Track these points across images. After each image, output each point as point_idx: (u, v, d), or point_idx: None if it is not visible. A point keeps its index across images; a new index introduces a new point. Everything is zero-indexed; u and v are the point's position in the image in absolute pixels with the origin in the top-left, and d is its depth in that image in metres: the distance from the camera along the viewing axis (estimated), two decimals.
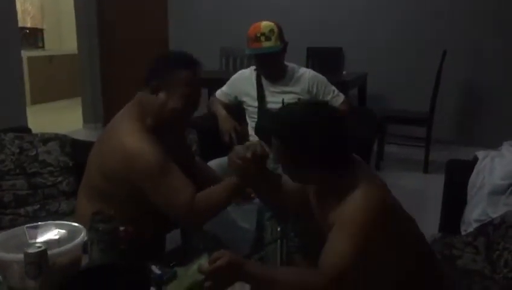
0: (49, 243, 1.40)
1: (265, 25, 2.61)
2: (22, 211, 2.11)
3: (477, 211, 2.06)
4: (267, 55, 2.62)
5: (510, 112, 4.63)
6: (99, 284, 1.24)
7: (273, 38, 2.59)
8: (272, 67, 2.70)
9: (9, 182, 2.14)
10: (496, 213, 1.98)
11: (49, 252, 1.30)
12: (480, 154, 2.25)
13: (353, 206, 1.25)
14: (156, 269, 1.46)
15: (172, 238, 2.01)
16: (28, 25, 8.14)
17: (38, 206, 2.16)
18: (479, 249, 1.94)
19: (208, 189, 1.66)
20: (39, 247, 1.28)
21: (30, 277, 1.26)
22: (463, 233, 2.08)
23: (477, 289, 1.71)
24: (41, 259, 1.26)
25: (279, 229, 1.67)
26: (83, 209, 1.74)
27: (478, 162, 2.19)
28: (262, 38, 2.59)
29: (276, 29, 2.60)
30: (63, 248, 1.37)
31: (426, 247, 1.47)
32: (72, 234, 1.46)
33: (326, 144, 1.28)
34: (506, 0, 4.59)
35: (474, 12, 4.69)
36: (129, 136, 1.64)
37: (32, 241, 1.43)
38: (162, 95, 1.68)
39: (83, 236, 1.43)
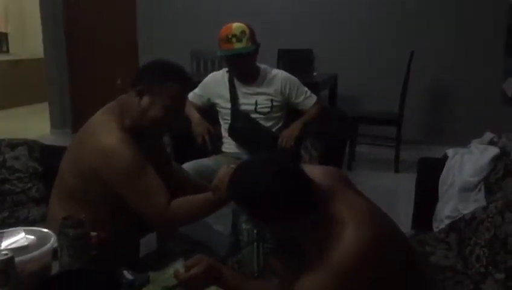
0: (17, 250, 1.37)
1: (237, 26, 2.61)
2: None
3: (448, 208, 2.10)
4: (238, 56, 2.61)
5: (478, 110, 4.74)
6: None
7: (244, 39, 2.59)
8: (243, 69, 2.69)
9: None
10: (466, 209, 2.02)
11: (17, 259, 1.28)
12: (450, 152, 2.30)
13: (340, 254, 1.18)
14: (128, 274, 1.44)
15: (148, 242, 1.99)
16: None
17: (7, 213, 2.10)
18: (451, 245, 1.98)
19: (185, 198, 1.64)
20: (6, 254, 1.25)
21: None
22: (435, 230, 2.12)
23: (450, 284, 1.73)
24: (8, 266, 1.24)
25: (255, 231, 1.66)
26: (55, 214, 1.70)
27: (448, 160, 2.23)
28: (234, 39, 2.58)
29: (247, 31, 2.60)
30: (31, 255, 1.35)
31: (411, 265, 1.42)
32: (41, 240, 1.43)
33: (284, 197, 1.18)
34: (470, 0, 4.71)
35: (440, 13, 4.79)
36: (107, 135, 1.62)
37: (4, 247, 1.39)
38: (146, 100, 1.66)
39: (52, 242, 1.40)
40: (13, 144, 2.23)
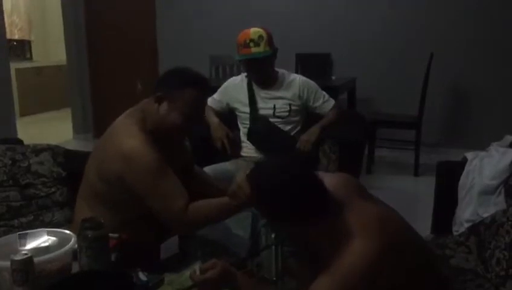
0: (38, 251, 1.42)
1: (255, 31, 2.63)
2: (15, 222, 2.10)
3: (468, 211, 2.09)
4: (256, 60, 2.64)
5: (497, 113, 4.69)
6: None
7: (262, 44, 2.61)
8: (262, 73, 2.72)
9: (3, 194, 2.13)
10: (486, 213, 2.00)
11: (37, 259, 1.32)
12: (469, 155, 2.28)
13: (348, 261, 1.20)
14: (142, 276, 1.46)
15: (170, 245, 2.02)
16: (16, 37, 8.11)
17: (32, 217, 2.15)
18: (471, 248, 1.97)
19: (204, 201, 1.67)
20: (25, 254, 1.29)
21: (17, 284, 1.27)
22: (455, 233, 2.10)
23: (471, 287, 1.73)
24: (27, 266, 1.28)
25: (273, 235, 1.67)
26: (81, 216, 1.74)
27: (467, 163, 2.22)
28: (252, 44, 2.61)
29: (265, 36, 2.63)
30: (51, 255, 1.39)
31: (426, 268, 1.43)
32: (63, 242, 1.47)
33: (303, 199, 1.23)
34: (493, 1, 4.66)
35: (461, 14, 4.75)
36: (129, 138, 1.65)
37: (23, 248, 1.44)
38: (164, 106, 1.70)
39: (72, 243, 1.44)
40: (38, 150, 2.28)
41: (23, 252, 1.32)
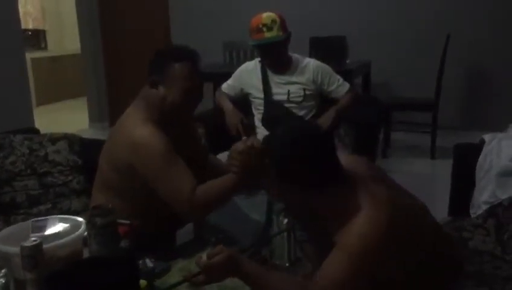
0: (49, 237, 1.44)
1: (267, 15, 2.62)
2: (34, 210, 2.14)
3: (486, 194, 2.06)
4: (269, 45, 2.63)
5: None
6: (86, 276, 1.24)
7: (275, 28, 2.60)
8: (275, 58, 2.70)
9: (21, 183, 2.17)
10: (505, 194, 1.98)
11: (46, 246, 1.33)
12: (487, 137, 2.25)
13: (357, 233, 1.20)
14: (149, 262, 1.48)
15: (186, 232, 2.04)
16: (30, 27, 8.17)
17: (50, 205, 2.18)
18: (489, 230, 1.95)
19: (208, 183, 1.66)
20: (34, 240, 1.31)
21: (26, 269, 1.29)
22: (473, 216, 2.08)
23: (488, 268, 1.71)
24: (36, 252, 1.29)
25: (285, 221, 1.67)
26: (96, 204, 1.76)
27: (485, 145, 2.19)
28: (264, 28, 2.60)
29: (278, 20, 2.61)
30: (61, 241, 1.41)
31: (440, 246, 1.43)
32: (74, 228, 1.49)
33: (317, 160, 1.25)
34: None
35: None
36: (136, 126, 1.67)
37: (35, 234, 1.46)
38: (161, 89, 1.70)
39: (82, 230, 1.45)
40: (54, 139, 2.31)
41: (33, 238, 1.33)
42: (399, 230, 1.23)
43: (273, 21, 2.60)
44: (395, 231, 1.21)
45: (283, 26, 2.63)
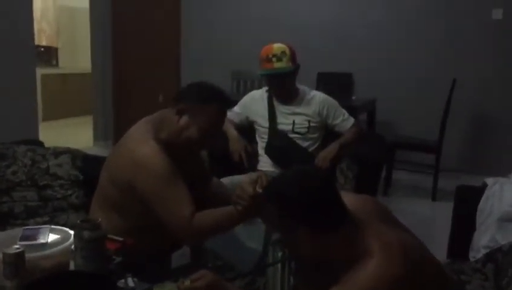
0: (35, 247, 1.44)
1: (278, 46, 2.65)
2: (31, 222, 2.12)
3: (486, 238, 2.05)
4: (278, 76, 2.65)
5: None
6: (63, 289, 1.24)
7: (284, 59, 2.63)
8: (283, 88, 2.73)
9: (21, 194, 2.16)
10: (505, 239, 1.97)
11: (30, 255, 1.33)
12: (489, 180, 2.25)
13: (368, 276, 1.17)
14: (130, 282, 1.45)
15: (182, 255, 2.01)
16: (43, 44, 8.28)
17: (48, 218, 2.17)
18: (488, 275, 1.92)
19: (209, 210, 1.65)
20: (17, 248, 1.31)
21: (7, 277, 1.29)
22: (472, 259, 2.06)
23: None
24: (17, 260, 1.29)
25: (280, 254, 1.65)
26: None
27: (487, 188, 2.19)
28: (274, 59, 2.63)
29: (288, 51, 2.64)
30: (46, 252, 1.41)
31: None
32: (64, 240, 1.49)
33: (329, 204, 1.24)
34: None
35: (483, 39, 4.72)
36: (140, 144, 1.67)
37: (22, 242, 1.45)
38: (184, 119, 1.71)
39: (69, 242, 1.45)
40: (57, 152, 2.31)
41: (16, 246, 1.33)
42: (410, 273, 1.19)
43: (283, 52, 2.63)
44: (407, 274, 1.18)
45: (293, 58, 2.66)
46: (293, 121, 2.72)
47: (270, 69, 2.65)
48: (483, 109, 4.84)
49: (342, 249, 1.24)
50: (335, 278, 1.22)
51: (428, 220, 3.70)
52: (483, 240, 2.05)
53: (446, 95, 4.27)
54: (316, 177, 1.29)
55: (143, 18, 5.90)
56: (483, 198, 2.17)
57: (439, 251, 2.12)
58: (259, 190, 1.50)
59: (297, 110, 2.74)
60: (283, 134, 2.73)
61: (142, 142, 1.68)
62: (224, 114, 1.77)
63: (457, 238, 2.23)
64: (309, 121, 2.73)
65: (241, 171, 2.71)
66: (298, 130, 2.73)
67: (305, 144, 2.73)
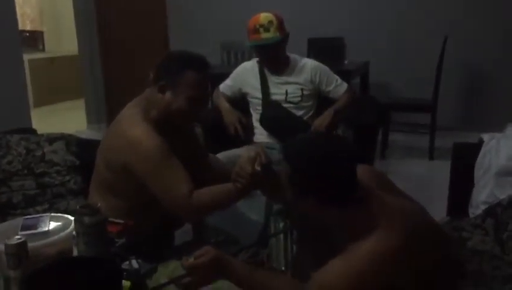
0: (38, 235, 1.45)
1: (264, 16, 2.61)
2: (31, 210, 2.12)
3: (484, 193, 2.06)
4: (266, 46, 2.62)
5: None
6: (69, 276, 1.24)
7: (272, 29, 2.59)
8: (272, 59, 2.70)
9: (18, 183, 2.16)
10: (503, 194, 1.98)
11: (32, 244, 1.33)
12: (485, 136, 2.25)
13: (368, 250, 1.17)
14: (135, 263, 1.46)
15: (184, 232, 2.03)
16: (28, 28, 8.15)
17: (48, 205, 2.17)
18: (488, 230, 1.94)
19: (208, 188, 1.65)
20: (19, 239, 1.31)
21: (11, 268, 1.29)
22: (471, 216, 2.08)
23: (487, 268, 1.71)
24: (20, 250, 1.29)
25: (281, 224, 1.66)
26: None
27: (484, 144, 2.19)
28: (261, 29, 2.59)
29: (275, 21, 2.60)
30: (48, 240, 1.41)
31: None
32: (65, 227, 1.50)
33: (334, 171, 1.21)
34: None
35: None
36: (132, 127, 1.67)
37: (24, 232, 1.46)
38: (168, 95, 1.70)
39: (71, 229, 1.45)
40: (51, 139, 2.30)
41: (17, 236, 1.33)
42: (410, 244, 1.20)
43: (270, 22, 2.59)
44: (409, 247, 1.18)
45: (280, 27, 2.63)
46: (286, 91, 2.71)
47: (257, 40, 2.62)
48: (477, 65, 4.81)
49: (347, 222, 1.24)
50: (336, 248, 1.22)
51: (427, 180, 3.71)
52: (482, 195, 2.06)
53: (438, 54, 4.24)
54: (344, 151, 1.24)
55: None
56: (480, 154, 2.18)
57: (439, 209, 2.14)
58: (258, 168, 1.49)
59: (290, 79, 2.72)
60: (277, 104, 2.71)
61: (133, 124, 1.67)
62: (203, 75, 1.73)
63: (456, 196, 2.25)
64: (302, 90, 2.71)
65: (237, 144, 2.70)
66: (291, 99, 2.71)
67: (299, 112, 2.72)
